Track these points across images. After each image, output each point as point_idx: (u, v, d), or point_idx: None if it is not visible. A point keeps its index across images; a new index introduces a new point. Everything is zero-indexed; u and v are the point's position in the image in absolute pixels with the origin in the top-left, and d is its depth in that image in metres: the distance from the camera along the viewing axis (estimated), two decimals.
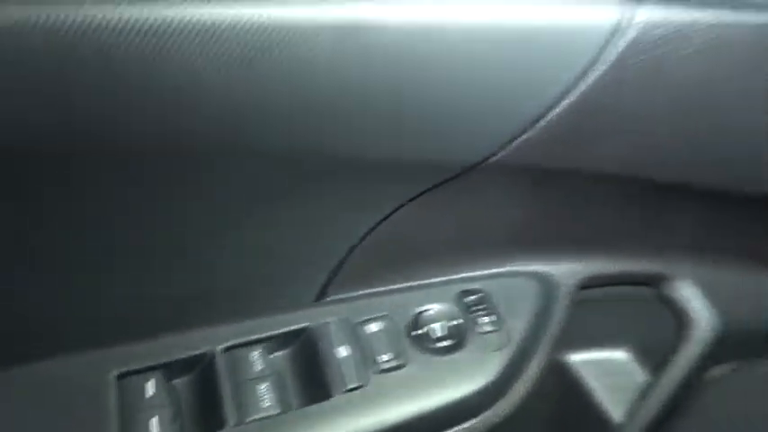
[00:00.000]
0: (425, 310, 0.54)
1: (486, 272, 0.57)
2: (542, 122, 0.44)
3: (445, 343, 0.52)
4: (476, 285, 0.56)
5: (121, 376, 0.48)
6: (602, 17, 0.42)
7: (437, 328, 0.52)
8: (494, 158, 0.46)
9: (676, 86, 0.44)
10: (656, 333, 0.62)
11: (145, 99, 0.39)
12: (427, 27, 0.41)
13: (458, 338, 0.52)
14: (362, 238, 0.51)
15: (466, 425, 0.50)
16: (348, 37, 0.40)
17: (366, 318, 0.52)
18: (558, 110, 0.44)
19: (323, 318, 0.52)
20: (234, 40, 0.39)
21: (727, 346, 0.61)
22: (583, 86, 0.43)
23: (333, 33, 0.40)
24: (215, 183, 0.45)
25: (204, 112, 0.40)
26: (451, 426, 0.49)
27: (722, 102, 0.45)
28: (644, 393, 0.61)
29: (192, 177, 0.44)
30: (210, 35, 0.38)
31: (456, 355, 0.51)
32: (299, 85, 0.41)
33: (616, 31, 0.42)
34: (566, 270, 0.58)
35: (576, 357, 0.63)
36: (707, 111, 0.46)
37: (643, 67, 0.43)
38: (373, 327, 0.52)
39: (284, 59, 0.40)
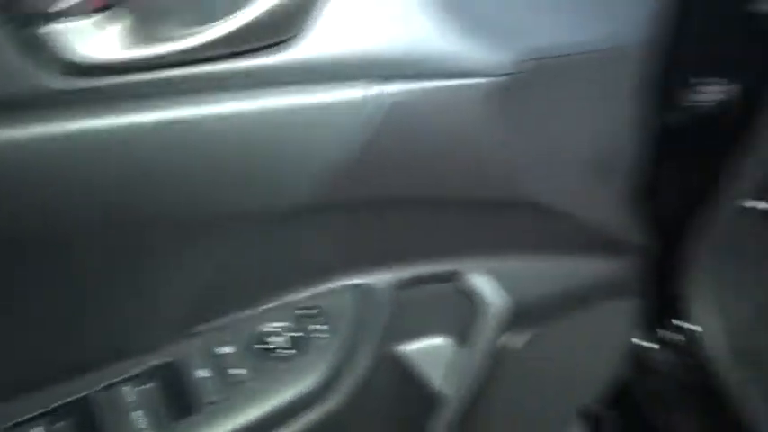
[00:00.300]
0: (269, 328, 0.65)
1: (318, 290, 0.69)
2: (329, 174, 0.57)
3: (286, 352, 0.63)
4: (311, 302, 0.68)
5: (9, 429, 0.56)
6: (356, 93, 0.55)
7: (279, 341, 0.64)
8: (305, 202, 0.59)
9: (427, 136, 0.59)
10: (464, 318, 0.76)
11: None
12: (227, 115, 0.54)
13: (296, 347, 0.64)
14: (214, 277, 0.62)
15: (307, 416, 0.62)
16: (179, 132, 0.52)
17: (220, 342, 0.63)
18: (339, 162, 0.57)
19: (185, 348, 0.63)
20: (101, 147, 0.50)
21: (520, 320, 0.76)
22: (358, 144, 0.57)
23: (162, 132, 0.52)
24: (88, 254, 0.55)
25: (84, 205, 0.51)
26: (295, 417, 0.61)
27: (458, 145, 0.60)
28: (460, 368, 0.75)
29: (71, 253, 0.55)
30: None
31: (295, 362, 0.63)
32: (147, 176, 0.52)
33: (368, 102, 0.55)
34: (384, 278, 0.71)
35: (404, 348, 0.76)
36: (451, 152, 0.61)
37: (402, 125, 0.57)
38: (227, 349, 0.63)
39: (126, 158, 0.51)
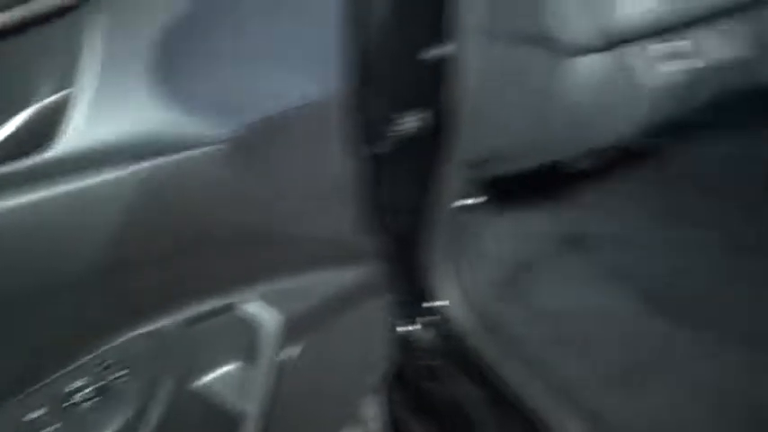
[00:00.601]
0: (73, 386, 0.74)
1: (114, 344, 0.78)
2: (103, 243, 0.69)
3: (94, 401, 0.73)
4: (109, 355, 0.77)
5: None
6: (113, 175, 0.67)
7: (85, 394, 0.73)
8: (85, 271, 0.69)
9: (184, 198, 0.72)
10: (247, 342, 0.88)
11: None
12: (9, 209, 0.64)
13: (102, 394, 0.73)
14: (16, 354, 0.70)
15: None
16: None
17: (30, 409, 0.71)
18: (109, 232, 0.69)
19: None
20: None
21: (293, 332, 0.90)
22: (123, 216, 0.69)
23: None
24: None
25: None
26: None
27: (210, 201, 0.74)
28: (252, 386, 0.87)
29: None
30: None
31: (102, 408, 0.72)
32: None
33: (124, 180, 0.67)
34: (171, 321, 0.80)
35: (201, 378, 0.87)
36: (206, 207, 0.74)
37: (159, 193, 0.70)
38: (36, 414, 0.71)
39: None
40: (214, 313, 0.84)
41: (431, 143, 0.91)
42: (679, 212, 1.22)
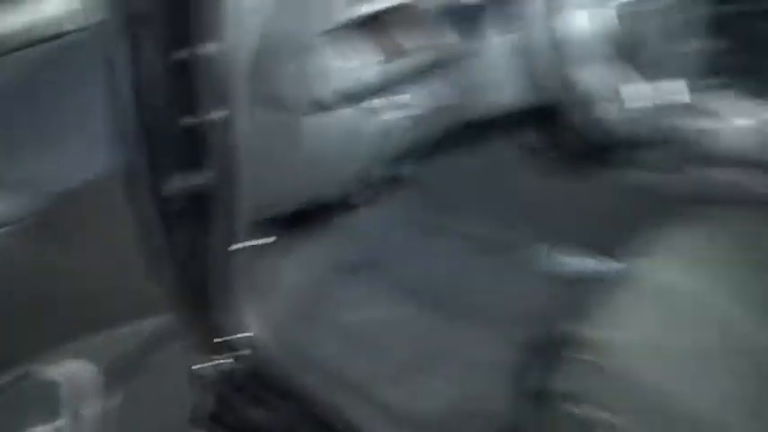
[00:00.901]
0: None
1: None
2: None
3: None
4: None
5: None
6: None
7: None
8: None
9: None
10: (65, 399, 0.94)
11: None
12: None
13: None
14: None
15: None
16: None
17: None
18: None
19: None
20: None
21: (111, 384, 0.97)
22: None
23: None
24: None
25: None
26: None
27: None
28: None
29: None
30: None
31: None
32: None
33: None
34: None
35: None
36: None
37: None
38: None
39: None
40: (28, 376, 0.90)
41: (212, 197, 1.02)
42: (439, 226, 1.44)
